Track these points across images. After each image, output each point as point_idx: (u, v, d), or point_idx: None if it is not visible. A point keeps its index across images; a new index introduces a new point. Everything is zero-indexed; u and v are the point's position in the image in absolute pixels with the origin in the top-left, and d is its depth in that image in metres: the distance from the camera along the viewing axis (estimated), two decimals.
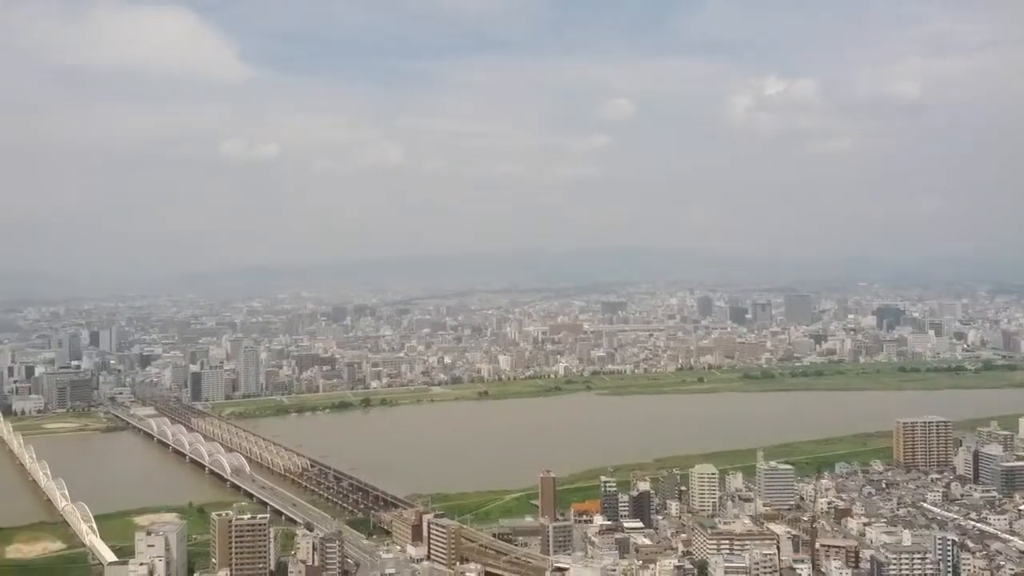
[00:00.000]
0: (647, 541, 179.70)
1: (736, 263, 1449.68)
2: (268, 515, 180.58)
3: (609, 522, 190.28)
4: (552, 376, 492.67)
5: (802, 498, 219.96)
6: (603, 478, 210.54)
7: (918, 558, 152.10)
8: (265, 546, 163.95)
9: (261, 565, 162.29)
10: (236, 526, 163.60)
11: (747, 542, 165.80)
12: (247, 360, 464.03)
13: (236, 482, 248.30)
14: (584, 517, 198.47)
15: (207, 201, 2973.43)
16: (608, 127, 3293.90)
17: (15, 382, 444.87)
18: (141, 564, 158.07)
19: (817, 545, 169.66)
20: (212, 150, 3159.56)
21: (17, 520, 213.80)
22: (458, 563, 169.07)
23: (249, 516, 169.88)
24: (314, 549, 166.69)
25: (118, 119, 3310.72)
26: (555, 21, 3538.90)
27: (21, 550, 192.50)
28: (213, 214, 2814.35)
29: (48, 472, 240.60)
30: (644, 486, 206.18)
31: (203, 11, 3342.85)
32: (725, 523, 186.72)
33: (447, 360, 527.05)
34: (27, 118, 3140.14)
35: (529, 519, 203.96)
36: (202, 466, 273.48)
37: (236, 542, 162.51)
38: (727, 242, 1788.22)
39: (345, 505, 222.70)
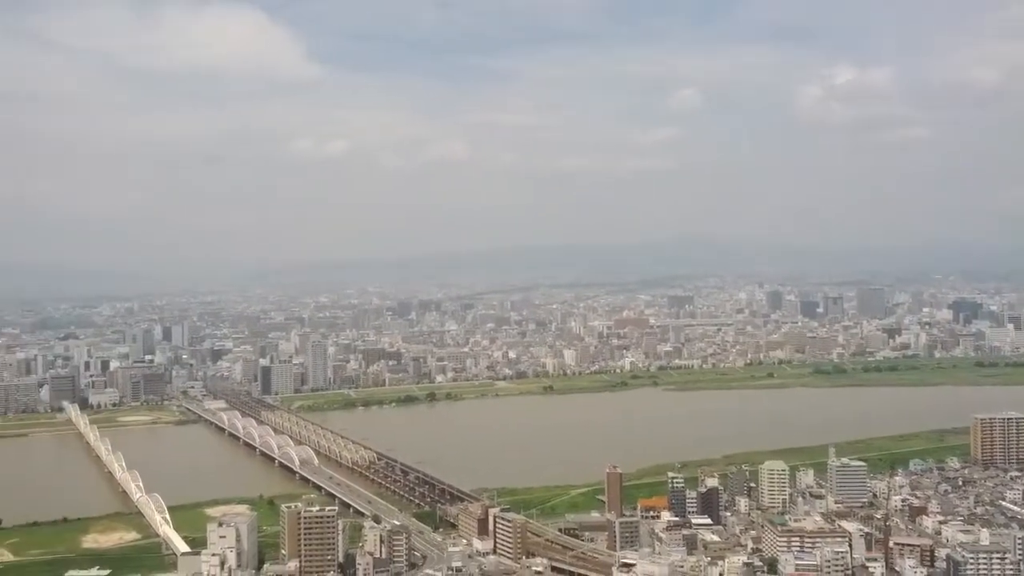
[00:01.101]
0: (715, 538, 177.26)
1: (807, 256, 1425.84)
2: (336, 507, 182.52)
3: (677, 518, 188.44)
4: (618, 371, 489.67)
5: (875, 495, 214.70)
6: (670, 474, 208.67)
7: (997, 558, 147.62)
8: (333, 538, 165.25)
9: (330, 557, 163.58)
10: (305, 518, 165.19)
11: (818, 540, 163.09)
12: (315, 354, 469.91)
13: (305, 474, 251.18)
14: (651, 513, 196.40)
15: (277, 198, 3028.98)
16: (675, 118, 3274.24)
17: (91, 376, 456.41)
18: (213, 555, 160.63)
19: (891, 543, 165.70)
20: (282, 148, 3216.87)
21: (94, 511, 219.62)
22: (524, 557, 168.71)
23: (318, 508, 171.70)
24: (381, 541, 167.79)
25: (191, 118, 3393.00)
26: (621, 12, 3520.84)
27: (98, 540, 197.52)
28: (283, 210, 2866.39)
29: (123, 464, 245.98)
30: (712, 482, 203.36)
31: (271, 11, 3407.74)
32: (795, 520, 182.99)
33: (512, 355, 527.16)
34: (103, 119, 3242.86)
35: (595, 514, 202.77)
36: (272, 459, 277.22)
37: (305, 534, 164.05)
38: (798, 235, 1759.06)
39: (411, 498, 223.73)
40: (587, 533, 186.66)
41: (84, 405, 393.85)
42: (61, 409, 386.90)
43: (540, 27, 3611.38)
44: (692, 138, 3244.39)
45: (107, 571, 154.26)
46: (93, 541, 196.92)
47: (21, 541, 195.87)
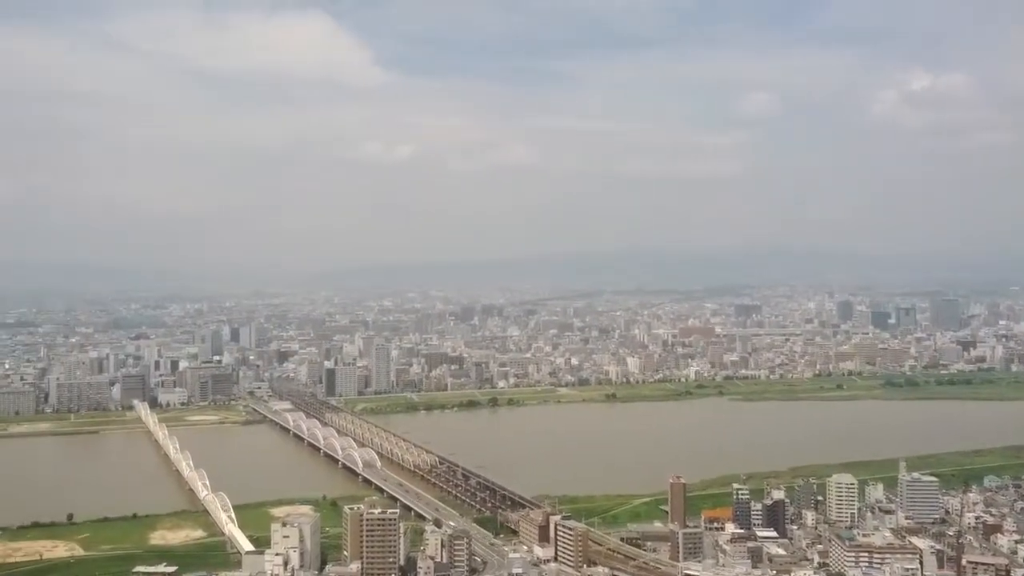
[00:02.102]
0: (781, 551, 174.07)
1: (879, 265, 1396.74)
2: (398, 510, 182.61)
3: (741, 530, 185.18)
4: (682, 380, 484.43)
5: (947, 512, 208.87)
6: (735, 485, 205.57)
7: None
8: (395, 541, 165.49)
9: (391, 559, 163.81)
10: (367, 520, 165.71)
11: (887, 556, 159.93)
12: (379, 358, 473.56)
13: (368, 476, 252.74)
14: (715, 524, 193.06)
15: (344, 201, 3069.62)
16: (745, 122, 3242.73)
17: (161, 376, 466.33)
18: (277, 554, 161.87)
19: (964, 562, 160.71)
20: (349, 152, 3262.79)
21: (161, 508, 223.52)
22: (585, 566, 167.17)
23: (380, 511, 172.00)
24: (442, 546, 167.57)
25: (260, 122, 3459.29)
26: (690, 15, 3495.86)
27: (165, 537, 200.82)
28: (349, 214, 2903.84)
29: (191, 462, 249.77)
30: (778, 494, 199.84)
31: (339, 16, 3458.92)
32: (864, 535, 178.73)
33: (574, 361, 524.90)
34: (174, 123, 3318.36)
35: (658, 524, 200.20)
36: (335, 460, 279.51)
37: (367, 536, 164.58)
38: (869, 243, 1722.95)
39: (473, 503, 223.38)
40: (649, 543, 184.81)
41: (154, 404, 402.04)
42: (131, 407, 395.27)
43: (608, 30, 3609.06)
44: (762, 143, 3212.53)
45: (174, 568, 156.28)
46: (161, 538, 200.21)
47: (92, 536, 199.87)
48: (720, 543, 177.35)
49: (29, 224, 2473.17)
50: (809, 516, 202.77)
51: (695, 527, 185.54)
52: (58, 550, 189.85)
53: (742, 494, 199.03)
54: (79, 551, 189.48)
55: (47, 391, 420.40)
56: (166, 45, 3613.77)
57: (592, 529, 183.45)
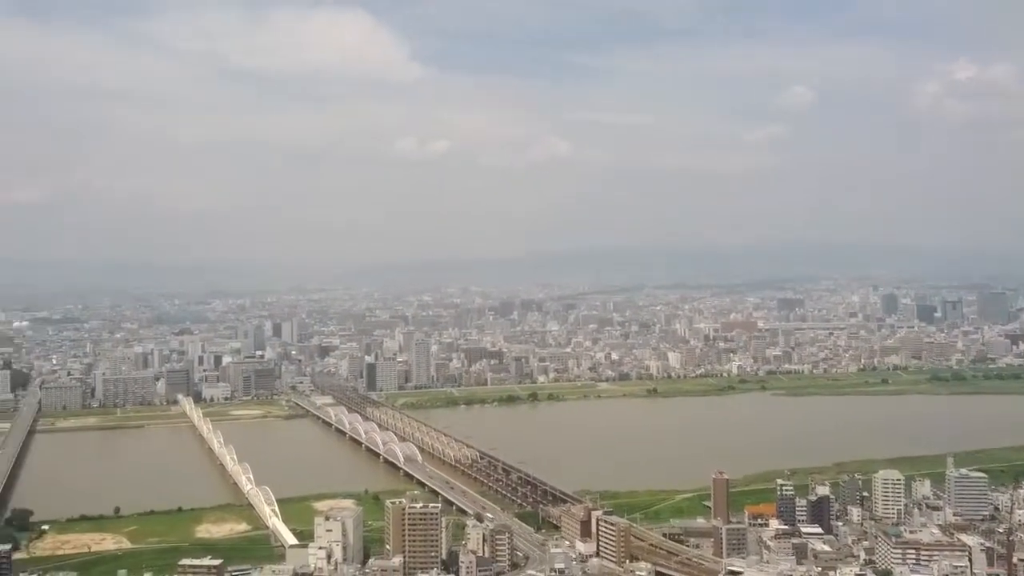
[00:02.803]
0: (826, 547, 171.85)
1: (924, 258, 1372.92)
2: (440, 504, 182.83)
3: (786, 526, 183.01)
4: (724, 375, 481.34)
5: (997, 508, 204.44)
6: (779, 481, 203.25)
7: None
8: (437, 535, 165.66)
9: (433, 553, 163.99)
10: (409, 514, 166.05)
11: (935, 553, 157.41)
12: (418, 352, 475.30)
13: (409, 471, 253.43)
14: (759, 520, 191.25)
15: (382, 197, 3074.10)
16: (784, 115, 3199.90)
17: (205, 370, 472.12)
18: (320, 548, 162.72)
19: (1015, 559, 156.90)
20: (386, 147, 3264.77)
21: (206, 501, 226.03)
22: (628, 561, 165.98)
23: (422, 505, 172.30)
24: (484, 540, 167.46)
25: (299, 119, 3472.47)
26: (727, 6, 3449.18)
27: (209, 530, 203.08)
28: (387, 209, 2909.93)
29: (234, 456, 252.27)
30: (823, 490, 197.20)
31: (377, 13, 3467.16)
32: (911, 532, 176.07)
33: (614, 356, 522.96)
34: (215, 120, 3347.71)
35: (701, 520, 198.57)
36: (377, 454, 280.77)
37: (409, 530, 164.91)
38: (913, 236, 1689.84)
39: (514, 498, 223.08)
40: (692, 539, 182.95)
41: (198, 398, 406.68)
42: (176, 402, 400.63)
43: (643, 24, 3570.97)
44: (801, 136, 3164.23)
45: (219, 561, 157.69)
46: (205, 531, 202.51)
47: (138, 529, 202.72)
48: (764, 539, 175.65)
49: (74, 221, 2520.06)
50: (855, 512, 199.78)
51: (739, 523, 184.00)
52: (106, 543, 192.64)
53: (786, 490, 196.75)
54: (126, 544, 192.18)
55: (93, 386, 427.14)
56: (205, 44, 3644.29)
57: (634, 524, 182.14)
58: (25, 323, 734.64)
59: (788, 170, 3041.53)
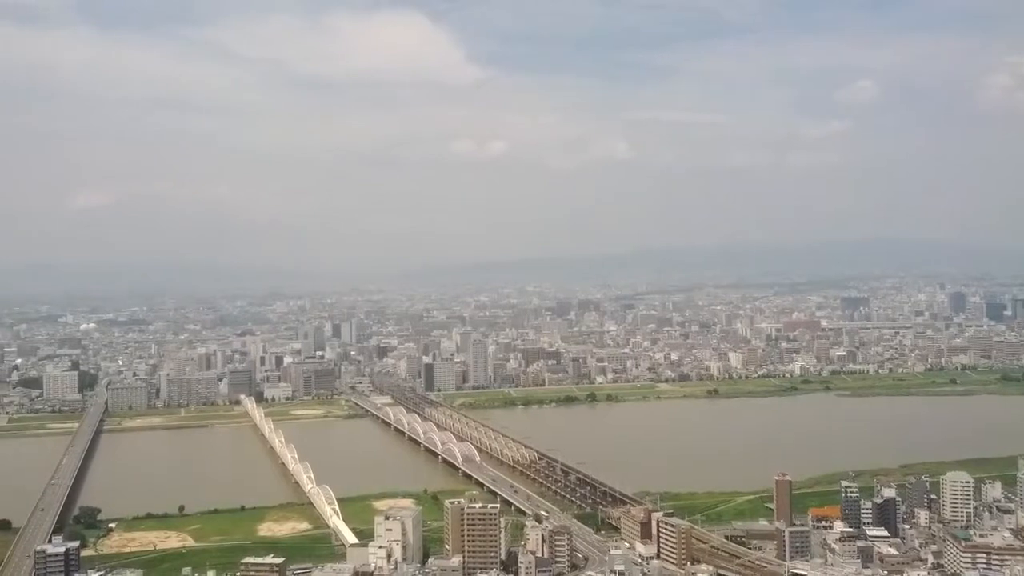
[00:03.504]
0: (893, 551, 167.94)
1: (993, 255, 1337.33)
2: (498, 505, 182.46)
3: (851, 529, 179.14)
4: (787, 375, 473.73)
5: None
6: (844, 483, 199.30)
7: None
8: (496, 535, 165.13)
9: (492, 554, 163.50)
10: (468, 514, 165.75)
11: (1007, 557, 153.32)
12: (476, 353, 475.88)
13: (467, 471, 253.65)
14: (823, 523, 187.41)
15: (439, 199, 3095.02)
16: (848, 111, 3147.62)
17: (266, 371, 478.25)
18: (380, 547, 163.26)
19: None
20: (444, 150, 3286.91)
21: (268, 500, 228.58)
22: (689, 563, 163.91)
23: (480, 505, 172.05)
24: (543, 541, 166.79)
25: (358, 123, 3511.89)
26: (788, 3, 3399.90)
27: (272, 529, 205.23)
28: (445, 211, 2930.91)
29: (295, 456, 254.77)
30: (889, 492, 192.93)
31: (435, 17, 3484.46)
32: (981, 535, 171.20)
33: (674, 357, 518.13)
34: (277, 126, 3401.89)
35: (763, 522, 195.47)
36: (435, 454, 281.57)
37: (468, 530, 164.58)
38: (983, 233, 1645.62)
39: (573, 499, 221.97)
40: (755, 541, 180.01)
41: (259, 398, 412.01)
42: (238, 402, 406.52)
43: (703, 21, 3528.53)
44: (866, 132, 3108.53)
45: (281, 559, 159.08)
46: (268, 529, 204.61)
47: (202, 527, 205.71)
48: (828, 542, 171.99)
49: (140, 226, 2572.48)
50: (922, 515, 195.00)
51: (802, 525, 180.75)
52: (170, 541, 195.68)
53: (851, 492, 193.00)
54: (190, 542, 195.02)
55: (158, 386, 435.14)
56: (267, 51, 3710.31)
57: (695, 526, 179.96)
58: (92, 325, 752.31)
59: (852, 167, 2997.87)
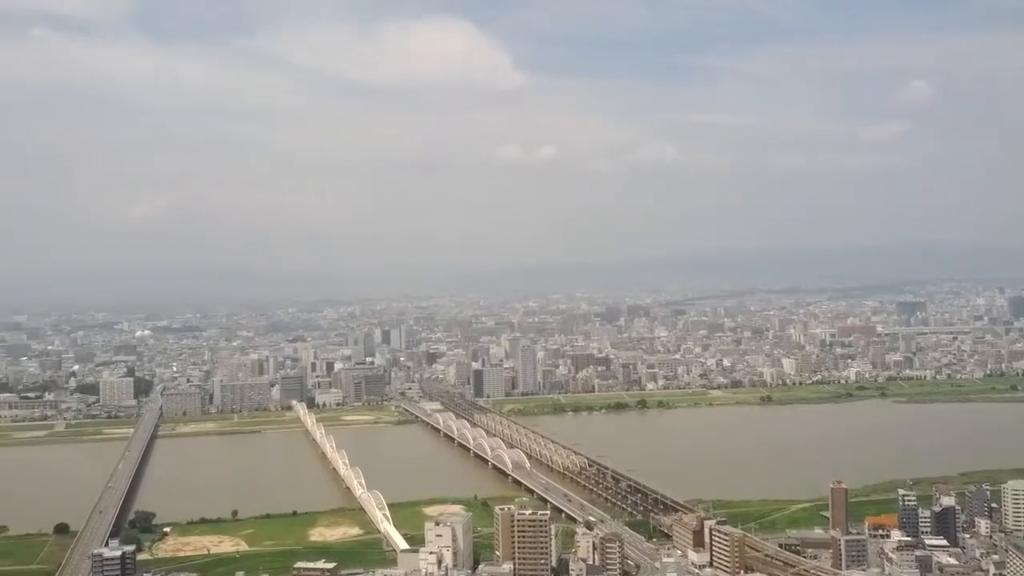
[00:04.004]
0: (952, 561, 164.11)
1: None
2: (549, 511, 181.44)
3: (908, 538, 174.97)
4: (842, 382, 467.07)
5: None
6: (901, 491, 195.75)
7: None
8: (547, 542, 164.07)
9: (543, 561, 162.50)
10: (519, 521, 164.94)
11: None
12: (525, 359, 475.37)
13: (517, 477, 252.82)
14: (880, 532, 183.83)
15: (487, 204, 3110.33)
16: (903, 112, 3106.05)
17: (317, 377, 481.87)
18: (431, 553, 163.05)
19: None
20: (492, 155, 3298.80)
21: (320, 505, 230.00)
22: (742, 572, 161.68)
23: (531, 512, 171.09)
24: (594, 548, 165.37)
25: (406, 129, 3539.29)
26: (837, 3, 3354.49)
27: (323, 533, 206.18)
28: (493, 216, 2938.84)
29: (346, 461, 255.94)
30: (948, 501, 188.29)
31: (481, 23, 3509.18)
32: None
33: (726, 363, 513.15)
34: (324, 132, 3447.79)
35: (819, 531, 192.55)
36: (485, 460, 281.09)
37: (519, 536, 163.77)
38: None
39: (624, 506, 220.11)
40: (810, 550, 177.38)
41: (311, 404, 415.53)
42: (290, 407, 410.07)
43: (750, 22, 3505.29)
44: (921, 133, 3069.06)
45: (332, 564, 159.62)
46: (319, 534, 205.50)
47: (255, 532, 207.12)
48: (885, 551, 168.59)
49: (194, 233, 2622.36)
50: (982, 524, 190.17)
51: (858, 534, 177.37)
52: (224, 545, 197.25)
53: (908, 500, 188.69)
54: (243, 546, 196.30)
55: (212, 392, 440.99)
56: (317, 59, 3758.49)
57: (749, 534, 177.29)
58: (147, 332, 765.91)
59: (907, 169, 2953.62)
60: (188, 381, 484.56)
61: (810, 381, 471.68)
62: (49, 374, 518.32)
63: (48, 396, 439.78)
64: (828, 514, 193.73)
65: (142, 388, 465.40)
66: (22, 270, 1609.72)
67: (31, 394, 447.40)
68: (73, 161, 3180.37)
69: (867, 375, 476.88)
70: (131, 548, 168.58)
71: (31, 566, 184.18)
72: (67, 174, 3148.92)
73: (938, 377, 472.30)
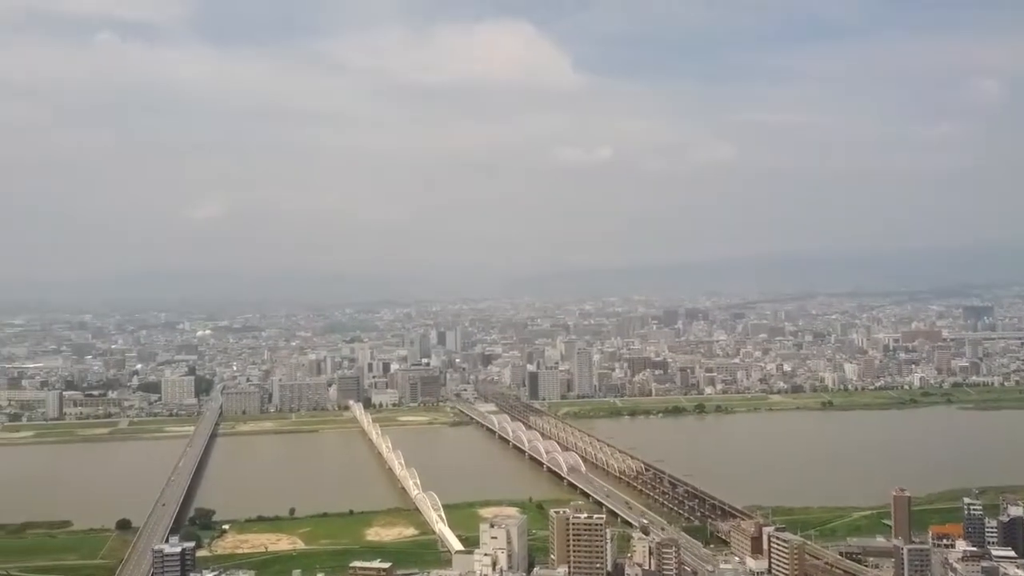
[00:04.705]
0: (1020, 573, 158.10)
1: None
2: (604, 515, 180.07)
3: (974, 548, 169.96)
4: (906, 387, 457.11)
5: None
6: (967, 499, 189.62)
7: None
8: (602, 546, 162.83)
9: (598, 565, 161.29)
10: (574, 524, 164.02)
11: None
12: (580, 362, 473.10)
13: (573, 481, 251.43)
14: (944, 541, 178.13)
15: (544, 206, 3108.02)
16: (967, 111, 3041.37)
17: (374, 377, 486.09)
18: (485, 555, 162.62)
19: None
20: (550, 157, 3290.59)
21: (376, 505, 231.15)
22: None
23: (586, 515, 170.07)
24: (650, 553, 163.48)
25: (463, 131, 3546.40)
26: (902, 1, 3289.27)
27: (379, 533, 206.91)
28: (549, 218, 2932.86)
29: (402, 462, 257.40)
30: (1016, 511, 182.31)
31: (539, 24, 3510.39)
32: None
33: (786, 367, 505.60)
34: (385, 134, 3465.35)
35: (880, 539, 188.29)
36: (540, 463, 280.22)
37: (574, 540, 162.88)
38: None
39: (680, 511, 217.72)
40: (871, 559, 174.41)
41: (367, 404, 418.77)
42: (347, 407, 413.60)
43: (812, 21, 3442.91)
44: (989, 133, 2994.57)
45: (388, 564, 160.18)
46: (375, 534, 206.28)
47: (312, 531, 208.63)
48: (950, 561, 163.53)
49: (253, 234, 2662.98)
50: None
51: (922, 543, 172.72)
52: (281, 543, 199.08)
53: (974, 509, 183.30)
54: (300, 545, 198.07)
55: (271, 391, 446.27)
56: (375, 61, 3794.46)
57: (808, 542, 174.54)
58: (208, 332, 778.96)
59: (973, 170, 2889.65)
60: (247, 380, 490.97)
61: (873, 387, 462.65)
62: (113, 372, 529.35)
63: (112, 394, 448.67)
64: (890, 522, 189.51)
65: (203, 387, 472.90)
66: (88, 271, 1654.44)
67: (95, 392, 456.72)
68: (137, 164, 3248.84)
69: (932, 381, 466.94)
70: (191, 545, 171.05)
71: (94, 561, 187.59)
72: (131, 178, 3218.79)
73: (1006, 384, 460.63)
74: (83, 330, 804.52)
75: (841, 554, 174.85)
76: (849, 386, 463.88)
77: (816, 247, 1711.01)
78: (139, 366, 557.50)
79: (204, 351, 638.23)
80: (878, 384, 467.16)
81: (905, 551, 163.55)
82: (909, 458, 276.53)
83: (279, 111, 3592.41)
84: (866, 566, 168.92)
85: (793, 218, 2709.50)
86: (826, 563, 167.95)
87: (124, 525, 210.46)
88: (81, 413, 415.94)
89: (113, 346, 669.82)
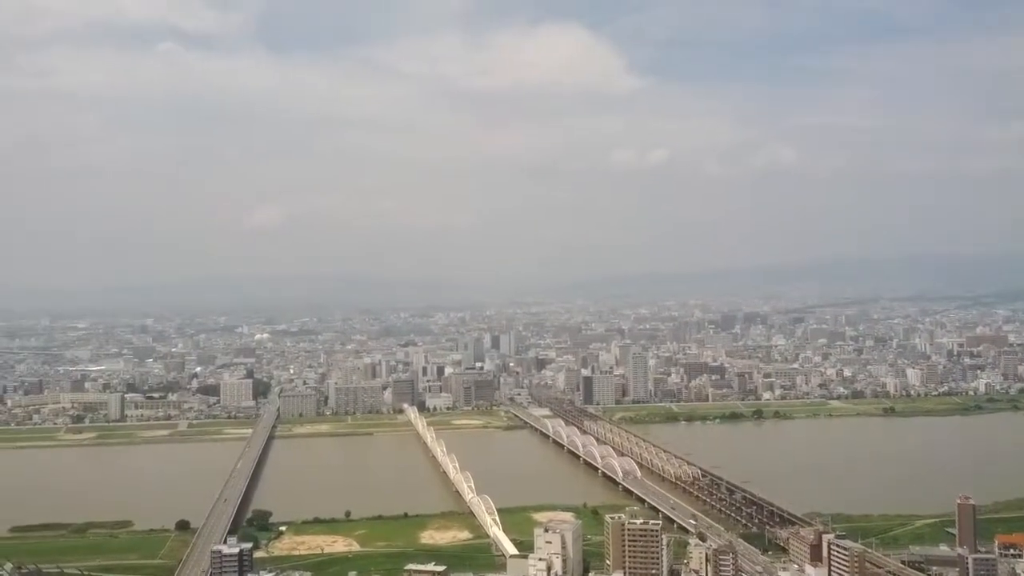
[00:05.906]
0: None
1: None
2: (660, 521, 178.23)
3: None
4: (970, 393, 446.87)
5: None
6: None
7: None
8: (658, 552, 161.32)
9: (654, 571, 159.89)
10: (630, 530, 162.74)
11: None
12: (635, 366, 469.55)
13: (628, 486, 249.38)
14: (1011, 551, 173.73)
15: (600, 209, 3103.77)
16: None
17: (428, 381, 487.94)
18: (540, 559, 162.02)
19: None
20: (605, 160, 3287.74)
21: (430, 508, 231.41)
22: None
23: (642, 521, 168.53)
24: (707, 560, 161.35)
25: (519, 135, 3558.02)
26: (966, 0, 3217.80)
27: (433, 537, 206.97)
28: (605, 222, 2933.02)
29: (456, 465, 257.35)
30: None
31: (594, 28, 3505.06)
32: None
33: (847, 373, 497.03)
34: (438, 140, 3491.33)
35: (944, 548, 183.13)
36: (595, 468, 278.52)
37: (629, 546, 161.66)
38: None
39: (738, 518, 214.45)
40: (935, 568, 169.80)
41: (422, 408, 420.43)
42: (402, 411, 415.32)
43: (874, 22, 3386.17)
44: None
45: (443, 567, 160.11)
46: (429, 537, 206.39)
47: (367, 533, 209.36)
48: (1017, 571, 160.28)
49: (310, 240, 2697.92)
50: None
51: (988, 552, 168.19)
52: (337, 545, 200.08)
53: None
54: (356, 547, 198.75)
55: (327, 394, 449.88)
56: (431, 68, 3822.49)
57: (869, 550, 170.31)
58: (266, 335, 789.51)
59: None
60: (304, 383, 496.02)
61: (936, 392, 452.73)
62: (173, 375, 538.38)
63: (172, 396, 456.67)
64: (955, 531, 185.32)
65: (260, 389, 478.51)
66: (150, 275, 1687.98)
67: (156, 394, 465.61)
68: (199, 171, 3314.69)
69: (998, 387, 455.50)
70: (248, 546, 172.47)
71: (154, 561, 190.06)
72: (192, 185, 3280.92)
73: None
74: (144, 334, 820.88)
75: (903, 563, 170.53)
76: (911, 392, 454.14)
77: (879, 251, 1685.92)
78: (198, 369, 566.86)
79: (262, 354, 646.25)
80: (942, 390, 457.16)
81: (970, 560, 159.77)
82: (974, 465, 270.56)
83: (337, 118, 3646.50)
84: (930, 575, 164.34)
85: (856, 222, 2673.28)
86: (888, 572, 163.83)
87: (183, 526, 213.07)
88: (142, 415, 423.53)
89: (173, 349, 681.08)
